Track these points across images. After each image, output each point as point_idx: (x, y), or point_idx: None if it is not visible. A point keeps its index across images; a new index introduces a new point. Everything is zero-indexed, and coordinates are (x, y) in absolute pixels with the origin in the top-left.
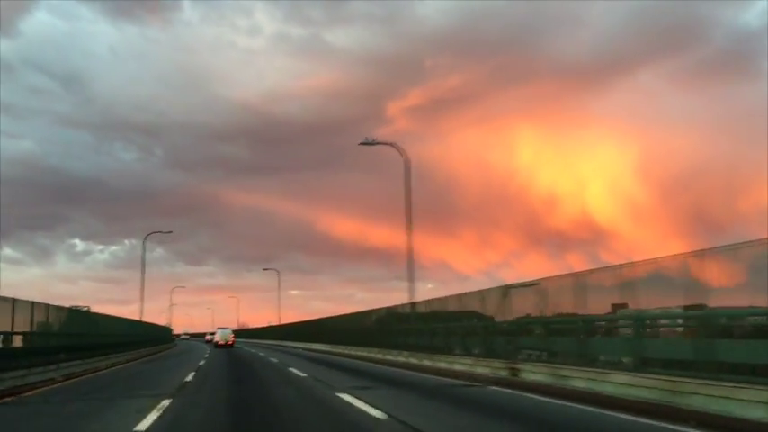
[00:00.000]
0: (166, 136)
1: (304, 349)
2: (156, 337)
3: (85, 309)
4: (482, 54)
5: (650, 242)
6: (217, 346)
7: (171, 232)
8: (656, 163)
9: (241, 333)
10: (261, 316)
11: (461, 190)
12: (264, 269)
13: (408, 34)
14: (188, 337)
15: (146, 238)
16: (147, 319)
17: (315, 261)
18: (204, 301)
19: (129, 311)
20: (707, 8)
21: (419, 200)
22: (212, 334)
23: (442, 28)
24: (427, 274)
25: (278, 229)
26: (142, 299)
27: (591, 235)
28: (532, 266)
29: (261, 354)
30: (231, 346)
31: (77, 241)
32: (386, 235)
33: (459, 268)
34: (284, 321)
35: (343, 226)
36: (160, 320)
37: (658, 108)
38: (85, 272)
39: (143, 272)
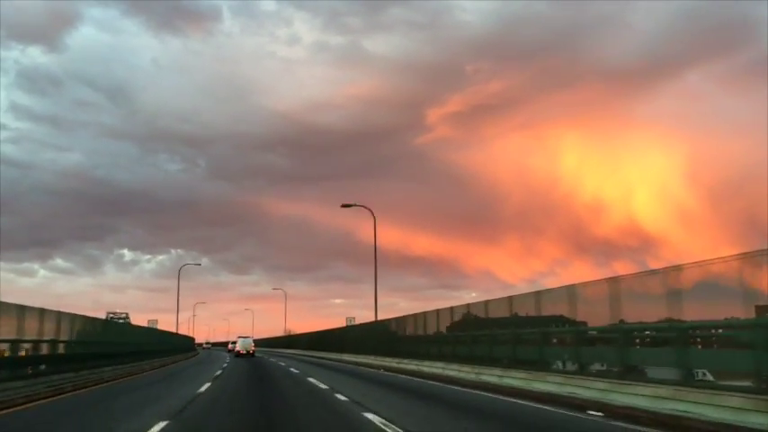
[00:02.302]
0: (209, 146)
1: (356, 364)
2: (174, 346)
3: (124, 315)
4: (524, 59)
5: (701, 249)
6: (237, 355)
7: None
8: (705, 167)
9: (270, 342)
10: (305, 323)
11: (504, 197)
12: (345, 205)
13: (448, 40)
14: (210, 345)
15: None
16: (186, 327)
17: (357, 270)
18: (248, 310)
19: (174, 320)
20: (756, 7)
21: (461, 208)
22: (234, 343)
23: (482, 33)
24: (470, 283)
25: (320, 238)
26: None
27: (638, 242)
28: (578, 275)
29: (294, 370)
30: (252, 355)
31: (126, 251)
32: (428, 243)
33: (503, 277)
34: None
35: (386, 235)
36: (199, 328)
37: (707, 111)
38: (134, 281)
39: None
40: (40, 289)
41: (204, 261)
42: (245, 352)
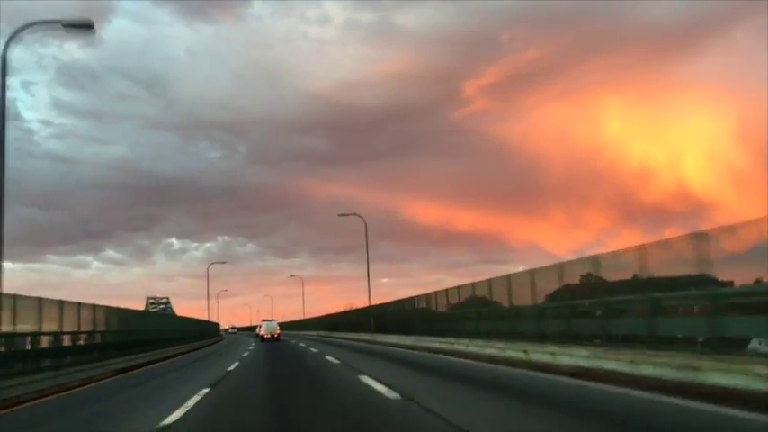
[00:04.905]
0: (248, 132)
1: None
2: (195, 333)
3: (165, 300)
4: (561, 24)
5: (755, 211)
6: (262, 339)
7: None
8: (755, 125)
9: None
10: (354, 304)
11: (547, 168)
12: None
13: (481, 9)
14: (235, 330)
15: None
16: (235, 312)
17: (401, 249)
18: (296, 293)
19: (224, 305)
20: None
21: (503, 182)
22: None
23: None
24: (516, 257)
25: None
26: None
27: (688, 208)
28: (627, 244)
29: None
30: (277, 339)
31: (174, 240)
32: (471, 219)
33: (549, 249)
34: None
35: (428, 212)
36: (242, 311)
37: (755, 68)
38: (183, 269)
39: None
40: (94, 280)
41: (250, 246)
42: (269, 336)
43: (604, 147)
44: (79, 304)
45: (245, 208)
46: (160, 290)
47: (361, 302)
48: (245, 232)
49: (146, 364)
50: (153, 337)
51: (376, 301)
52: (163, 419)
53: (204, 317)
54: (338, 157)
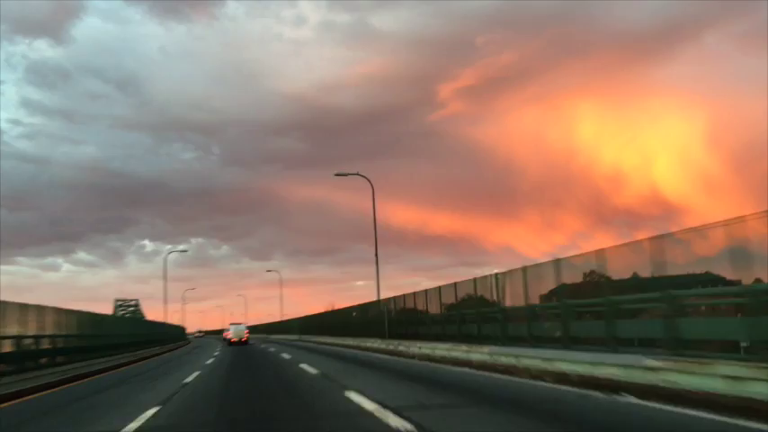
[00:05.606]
0: (223, 133)
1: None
2: (152, 338)
3: (134, 302)
4: (536, 27)
5: (726, 214)
6: (230, 343)
7: None
8: (727, 130)
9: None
10: (335, 305)
11: (521, 171)
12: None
13: (457, 12)
14: (202, 334)
15: None
16: (208, 314)
17: (379, 251)
18: (272, 296)
19: (198, 308)
20: None
21: (478, 184)
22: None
23: (491, 3)
24: (491, 260)
25: (339, 221)
26: None
27: (661, 211)
28: (600, 247)
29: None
30: (245, 343)
31: (147, 242)
32: (447, 221)
33: (524, 252)
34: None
35: (403, 214)
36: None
37: (726, 72)
38: (156, 271)
39: None
40: (66, 282)
41: (225, 248)
42: (237, 339)
43: (578, 150)
44: None
45: (220, 210)
46: (132, 292)
47: (341, 304)
48: (220, 234)
49: (32, 391)
50: (76, 345)
51: (351, 303)
52: None
53: (178, 320)
54: (315, 159)
